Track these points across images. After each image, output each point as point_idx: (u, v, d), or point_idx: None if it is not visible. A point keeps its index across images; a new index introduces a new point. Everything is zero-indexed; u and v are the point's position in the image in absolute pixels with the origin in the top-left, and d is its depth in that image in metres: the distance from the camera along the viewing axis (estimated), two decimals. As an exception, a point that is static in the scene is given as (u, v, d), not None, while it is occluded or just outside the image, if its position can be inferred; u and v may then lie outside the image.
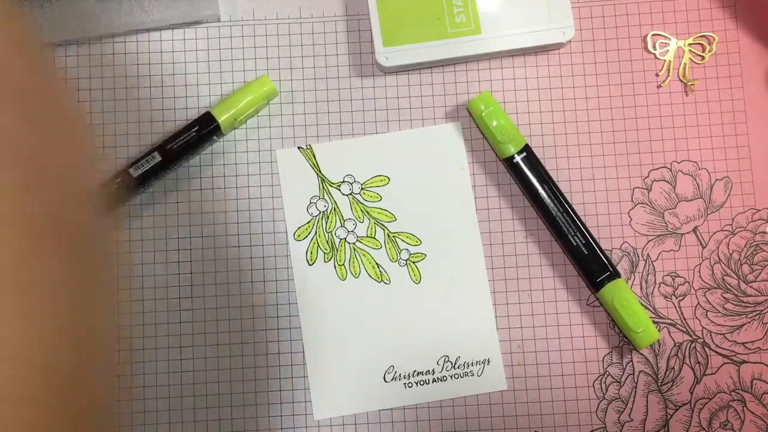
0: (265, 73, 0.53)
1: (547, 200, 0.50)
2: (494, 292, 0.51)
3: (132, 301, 0.51)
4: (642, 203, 0.52)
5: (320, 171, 0.52)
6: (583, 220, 0.51)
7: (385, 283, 0.51)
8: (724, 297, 0.52)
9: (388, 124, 0.53)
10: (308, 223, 0.52)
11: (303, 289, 0.51)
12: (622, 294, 0.49)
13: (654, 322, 0.51)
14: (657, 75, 0.53)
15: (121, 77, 0.53)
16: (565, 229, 0.50)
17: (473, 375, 0.51)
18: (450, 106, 0.53)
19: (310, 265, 0.52)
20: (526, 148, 0.51)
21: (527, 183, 0.50)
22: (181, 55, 0.53)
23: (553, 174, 0.51)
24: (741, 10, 0.54)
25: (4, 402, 0.23)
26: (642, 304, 0.50)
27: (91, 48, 0.53)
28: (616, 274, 0.50)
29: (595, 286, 0.50)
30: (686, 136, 0.53)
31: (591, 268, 0.50)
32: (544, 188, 0.50)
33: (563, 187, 0.52)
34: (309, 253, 0.52)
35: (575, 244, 0.50)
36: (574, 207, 0.51)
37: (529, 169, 0.50)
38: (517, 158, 0.50)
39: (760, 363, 0.51)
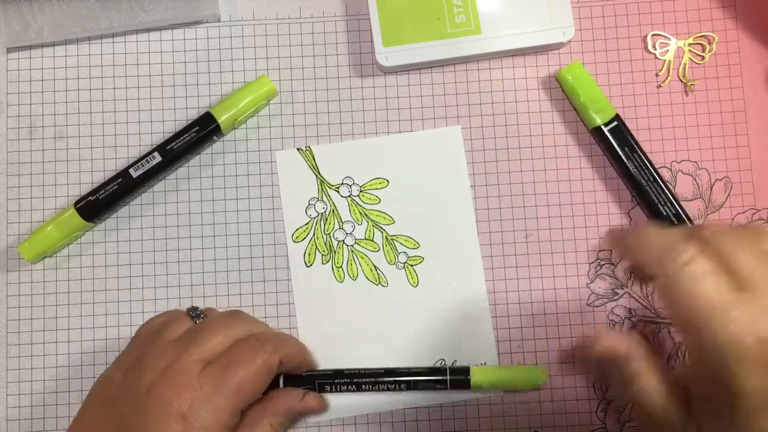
0: (265, 73, 0.53)
1: (634, 171, 0.50)
2: (494, 293, 0.51)
3: (132, 301, 0.51)
4: (642, 203, 0.52)
5: (319, 172, 0.52)
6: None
7: (383, 285, 0.51)
8: (723, 297, 0.52)
9: (387, 125, 0.53)
10: (306, 224, 0.52)
11: (300, 291, 0.51)
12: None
13: (654, 322, 0.51)
14: (657, 75, 0.53)
15: (121, 77, 0.53)
16: (654, 198, 0.50)
17: (472, 375, 0.51)
18: (450, 107, 0.53)
19: (307, 266, 0.52)
20: (617, 118, 0.51)
21: (614, 152, 0.51)
22: (181, 55, 0.53)
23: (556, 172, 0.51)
24: (741, 10, 0.54)
25: None
26: (642, 305, 0.50)
27: (91, 48, 0.53)
28: None
29: None
30: (686, 136, 0.53)
31: None
32: (632, 158, 0.51)
33: (563, 186, 0.52)
34: (307, 254, 0.52)
35: (665, 214, 0.50)
36: (582, 206, 0.51)
37: (616, 140, 0.51)
38: (605, 129, 0.51)
39: (760, 363, 0.51)
